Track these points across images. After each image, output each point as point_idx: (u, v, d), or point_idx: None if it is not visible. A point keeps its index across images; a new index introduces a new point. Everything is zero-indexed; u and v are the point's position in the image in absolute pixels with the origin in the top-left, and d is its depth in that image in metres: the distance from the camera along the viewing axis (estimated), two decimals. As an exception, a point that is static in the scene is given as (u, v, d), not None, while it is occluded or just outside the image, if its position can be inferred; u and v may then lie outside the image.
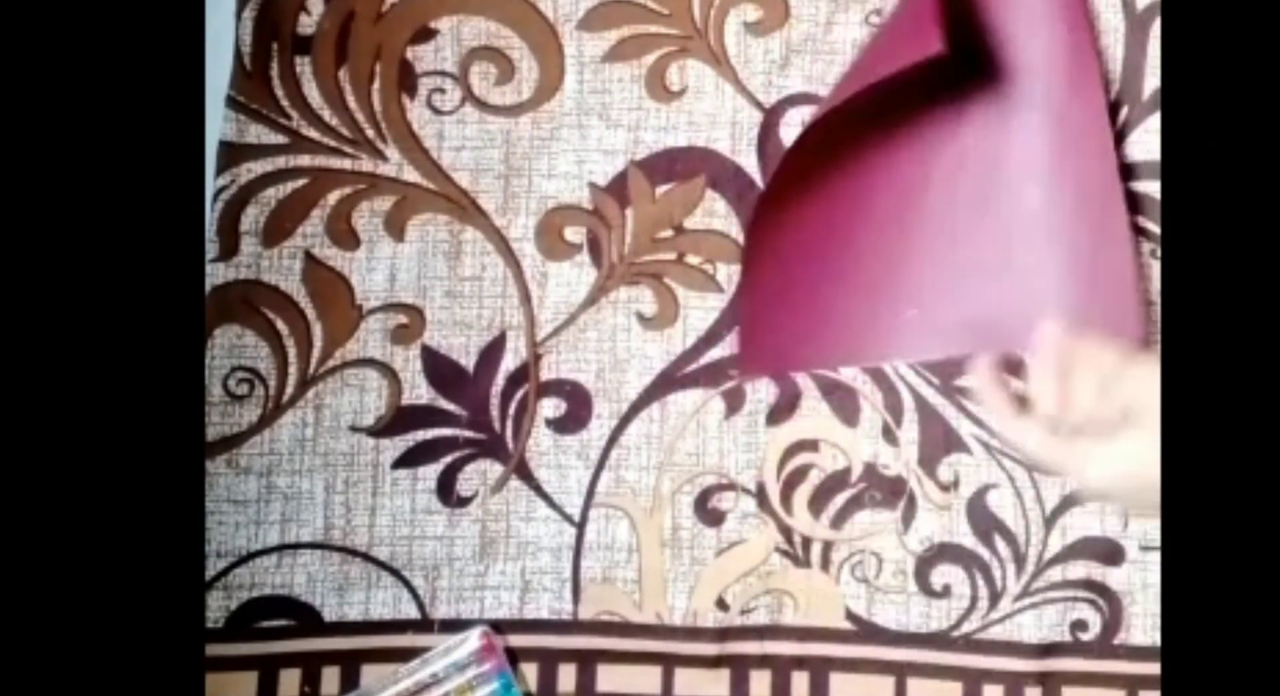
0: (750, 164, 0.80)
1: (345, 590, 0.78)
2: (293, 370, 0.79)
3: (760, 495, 0.77)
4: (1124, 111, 0.78)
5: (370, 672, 0.77)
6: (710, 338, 0.78)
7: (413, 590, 0.78)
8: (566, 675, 0.76)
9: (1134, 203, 0.77)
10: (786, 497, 0.77)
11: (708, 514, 0.78)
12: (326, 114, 0.82)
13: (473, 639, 0.76)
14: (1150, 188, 0.77)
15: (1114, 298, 0.75)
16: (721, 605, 0.77)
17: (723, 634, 0.76)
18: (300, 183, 0.81)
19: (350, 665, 0.77)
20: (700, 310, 0.79)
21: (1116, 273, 0.75)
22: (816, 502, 0.77)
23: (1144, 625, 0.75)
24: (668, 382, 0.78)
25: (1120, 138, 0.78)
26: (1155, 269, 0.77)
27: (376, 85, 0.82)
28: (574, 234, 0.80)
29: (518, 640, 0.77)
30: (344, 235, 0.81)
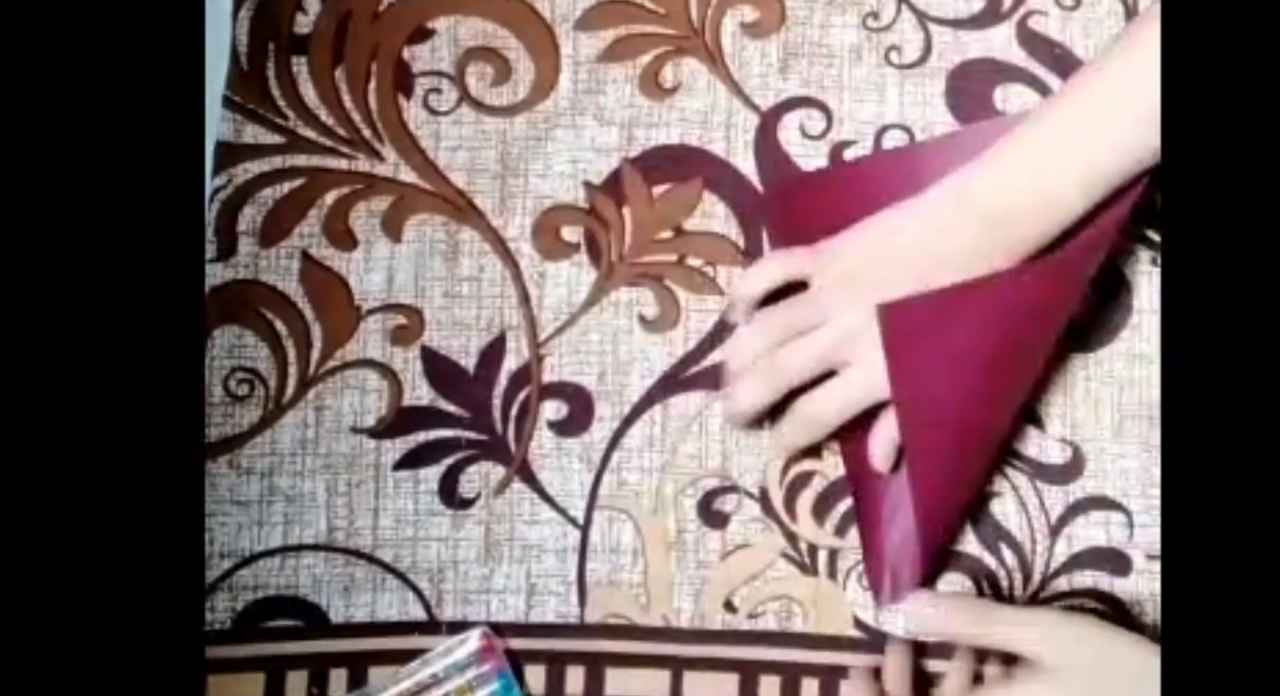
0: (748, 167, 0.80)
1: (351, 592, 0.78)
2: (293, 371, 0.80)
3: (764, 500, 0.78)
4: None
5: (378, 675, 0.77)
6: (712, 340, 0.79)
7: (419, 592, 0.78)
8: (574, 678, 0.77)
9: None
10: (790, 504, 0.78)
11: (712, 517, 0.78)
12: (323, 114, 0.82)
13: (472, 639, 0.76)
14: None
15: None
16: (729, 608, 0.77)
17: (731, 637, 0.77)
18: (297, 183, 0.81)
19: (358, 667, 0.77)
20: (702, 312, 0.79)
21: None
22: (819, 509, 0.78)
23: (1154, 636, 0.74)
24: (670, 385, 0.79)
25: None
26: (1155, 277, 0.77)
27: (373, 85, 0.82)
28: (571, 233, 0.81)
29: (524, 643, 0.77)
30: (341, 235, 0.81)
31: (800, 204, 0.79)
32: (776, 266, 0.75)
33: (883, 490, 0.75)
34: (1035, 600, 0.76)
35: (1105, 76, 0.70)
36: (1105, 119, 0.69)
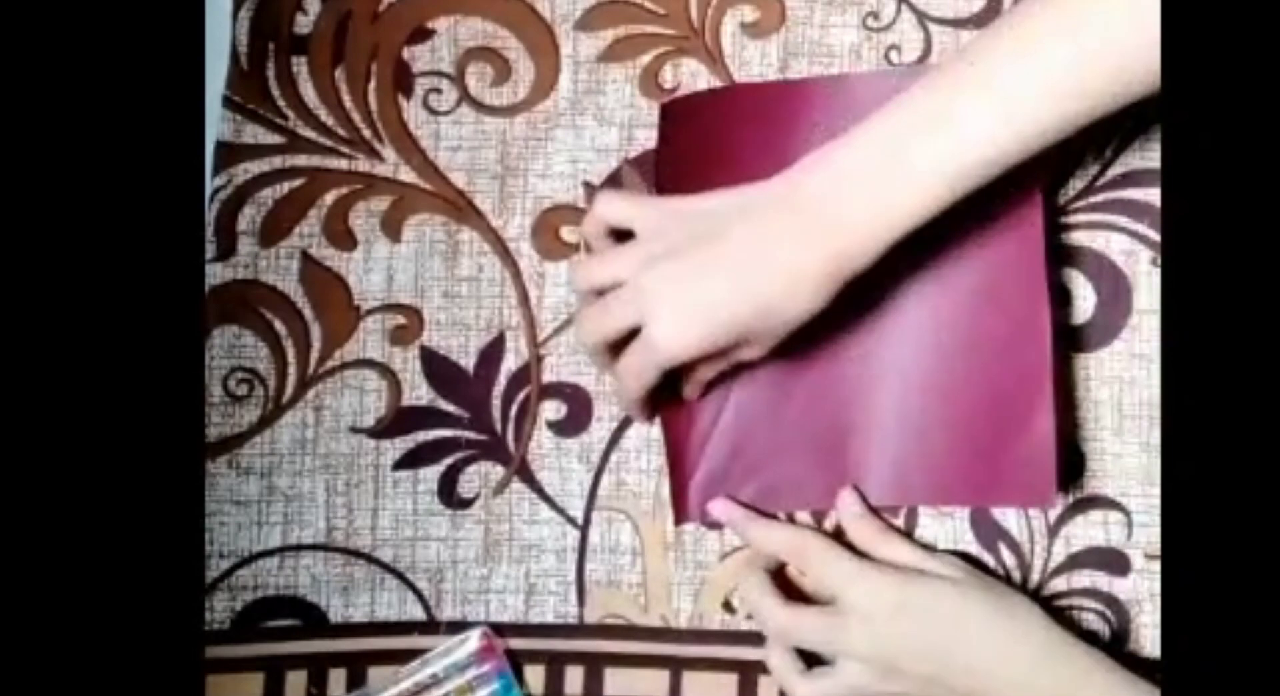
0: (747, 167, 0.80)
1: (350, 591, 0.78)
2: (292, 371, 0.80)
3: (763, 500, 0.78)
4: (1125, 119, 0.78)
5: (377, 675, 0.77)
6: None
7: (418, 592, 0.78)
8: (573, 678, 0.77)
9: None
10: (789, 503, 0.78)
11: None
12: (323, 114, 0.82)
13: (473, 639, 0.76)
14: (1150, 195, 0.78)
15: (1028, 468, 0.75)
16: (728, 608, 0.77)
17: (730, 637, 0.77)
18: (297, 183, 0.81)
19: (357, 667, 0.77)
20: (700, 313, 0.79)
21: (1034, 444, 0.74)
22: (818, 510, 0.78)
23: (1152, 636, 0.75)
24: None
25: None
26: (1155, 277, 0.77)
27: (373, 85, 0.82)
28: (570, 233, 0.81)
29: (523, 643, 0.77)
30: (341, 235, 0.81)
31: (688, 120, 0.80)
32: (604, 212, 0.73)
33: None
34: (1034, 599, 0.76)
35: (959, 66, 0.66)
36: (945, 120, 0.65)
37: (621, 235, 0.73)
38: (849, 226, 0.66)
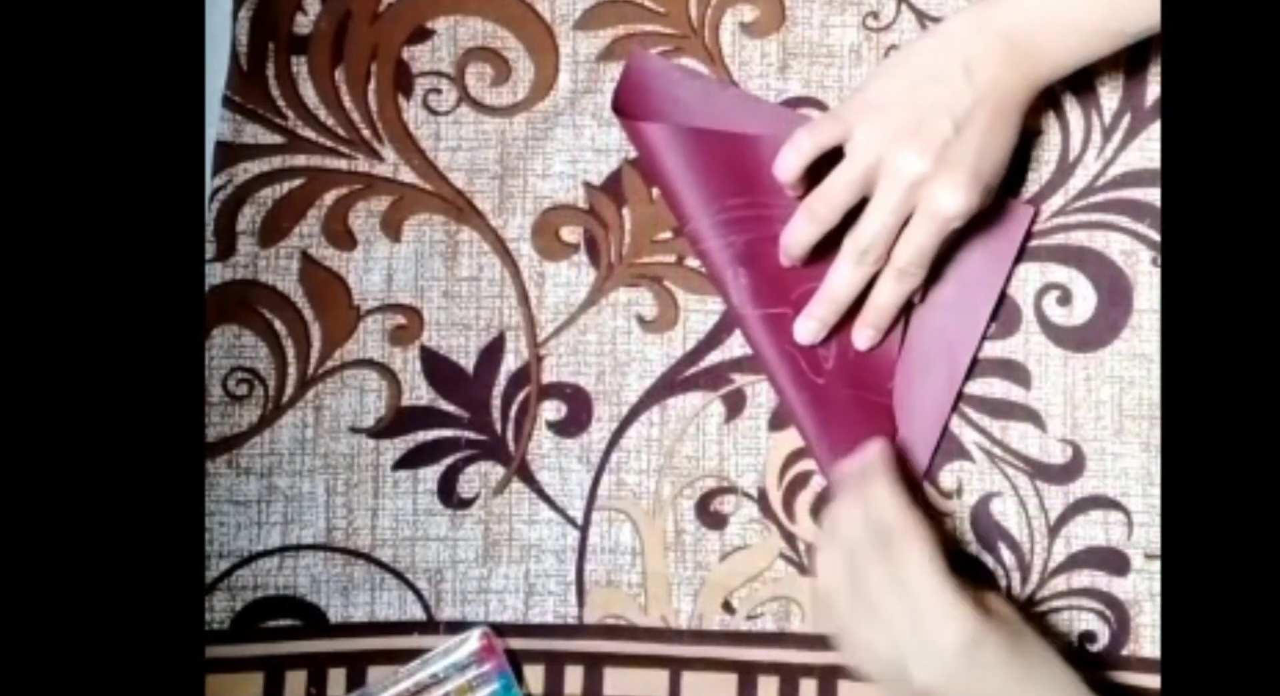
0: (747, 167, 0.80)
1: (350, 591, 0.78)
2: (292, 371, 0.80)
3: (763, 501, 0.78)
4: (1125, 119, 0.78)
5: (376, 675, 0.77)
6: (711, 341, 0.79)
7: (417, 592, 0.78)
8: (573, 678, 0.77)
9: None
10: (789, 504, 0.78)
11: (710, 517, 0.78)
12: (323, 114, 0.82)
13: (473, 639, 0.76)
14: (1150, 195, 0.78)
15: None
16: (728, 608, 0.77)
17: (730, 638, 0.77)
18: (297, 183, 0.81)
19: (356, 667, 0.77)
20: (701, 313, 0.79)
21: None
22: (818, 510, 0.78)
23: (1152, 636, 0.75)
24: (668, 386, 0.79)
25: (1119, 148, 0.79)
26: (1155, 277, 0.77)
27: (373, 85, 0.82)
28: (570, 234, 0.80)
29: (523, 643, 0.78)
30: (340, 236, 0.81)
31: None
32: (807, 140, 0.74)
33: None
34: (1033, 600, 0.76)
35: None
36: None
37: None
38: (1041, 48, 0.72)
